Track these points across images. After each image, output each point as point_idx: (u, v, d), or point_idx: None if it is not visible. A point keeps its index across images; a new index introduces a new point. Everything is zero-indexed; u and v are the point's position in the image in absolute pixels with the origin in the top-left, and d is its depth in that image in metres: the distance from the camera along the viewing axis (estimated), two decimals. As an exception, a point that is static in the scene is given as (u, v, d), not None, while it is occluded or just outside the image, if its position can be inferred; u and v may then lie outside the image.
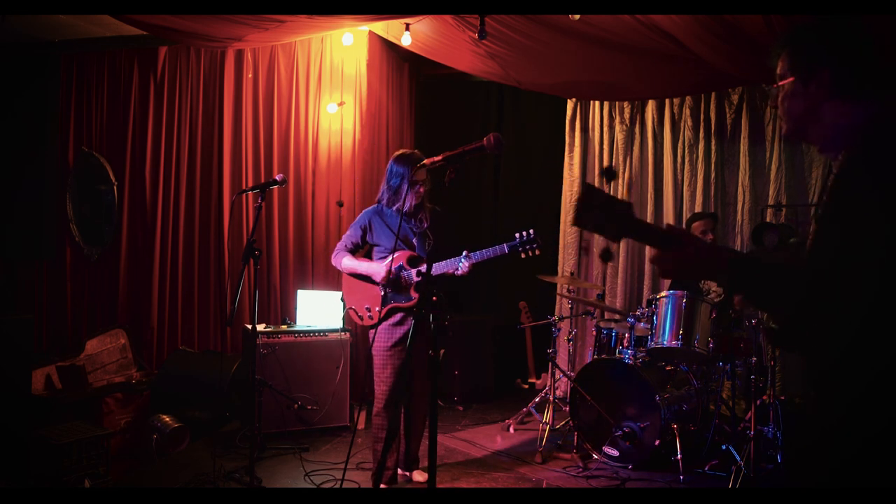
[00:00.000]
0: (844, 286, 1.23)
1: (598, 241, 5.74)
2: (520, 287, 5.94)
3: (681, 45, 4.03)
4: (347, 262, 3.57)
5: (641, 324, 4.36)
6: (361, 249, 3.67)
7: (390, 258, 3.47)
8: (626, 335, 4.40)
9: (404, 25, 4.61)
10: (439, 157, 2.14)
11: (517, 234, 3.24)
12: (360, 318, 3.59)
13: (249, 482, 3.42)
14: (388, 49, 5.62)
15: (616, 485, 3.78)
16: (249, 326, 4.31)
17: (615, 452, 4.05)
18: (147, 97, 5.74)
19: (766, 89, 1.51)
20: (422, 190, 3.48)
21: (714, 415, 4.21)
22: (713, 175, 5.50)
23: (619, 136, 5.79)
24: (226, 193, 5.53)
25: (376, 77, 5.47)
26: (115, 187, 5.83)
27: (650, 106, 5.72)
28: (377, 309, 3.49)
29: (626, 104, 5.78)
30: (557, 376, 4.71)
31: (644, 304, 4.86)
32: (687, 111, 5.59)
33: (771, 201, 5.34)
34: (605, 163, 5.84)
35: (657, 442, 3.88)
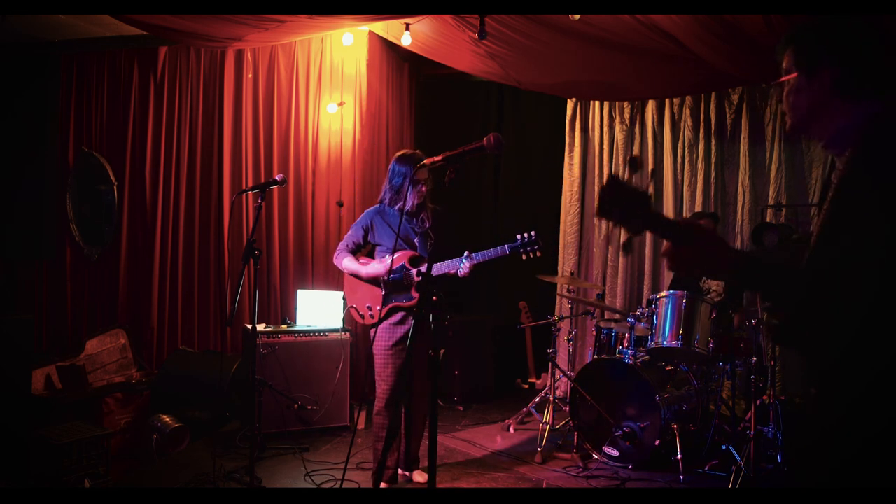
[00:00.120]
0: (845, 286, 1.23)
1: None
2: (520, 287, 5.94)
3: (681, 45, 4.03)
4: (348, 265, 3.59)
5: (641, 324, 4.36)
6: (363, 249, 3.67)
7: (390, 258, 3.48)
8: (626, 335, 4.40)
9: (404, 25, 4.61)
10: (439, 157, 2.15)
11: (518, 236, 3.24)
12: (362, 316, 3.60)
13: (249, 482, 3.42)
14: (388, 49, 5.62)
15: (616, 485, 3.78)
16: (249, 326, 4.31)
17: (615, 452, 4.05)
18: (147, 97, 5.74)
19: (771, 84, 1.51)
20: (423, 189, 3.49)
21: (714, 415, 4.22)
22: (713, 175, 5.51)
23: (619, 136, 5.79)
24: (226, 193, 5.53)
25: (376, 77, 5.47)
26: (115, 187, 5.83)
27: (650, 106, 5.72)
28: (378, 308, 3.49)
29: (626, 104, 5.79)
30: (557, 376, 4.71)
31: (644, 304, 4.86)
32: (687, 111, 5.60)
33: (771, 201, 5.34)
34: (606, 163, 5.85)
35: (657, 442, 3.88)
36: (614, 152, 5.82)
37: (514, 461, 4.16)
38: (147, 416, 4.42)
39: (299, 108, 5.41)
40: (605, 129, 5.85)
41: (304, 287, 5.18)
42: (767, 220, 5.24)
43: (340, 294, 4.78)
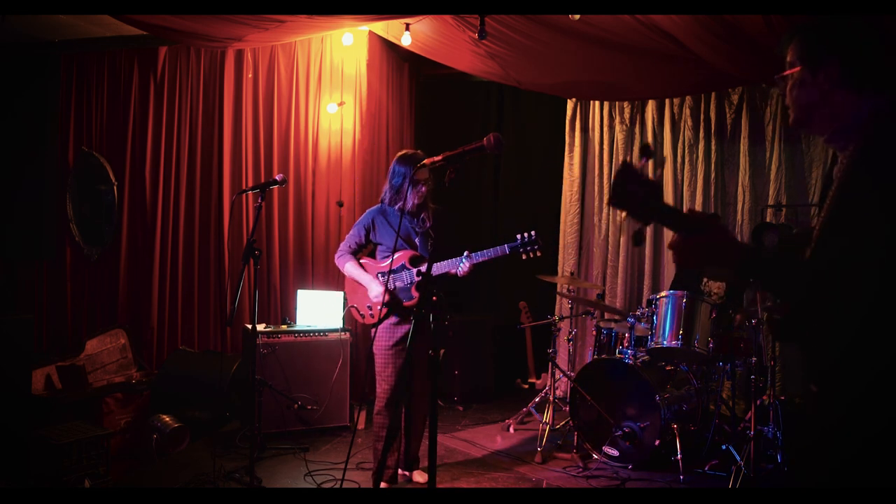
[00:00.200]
0: (845, 285, 1.23)
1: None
2: (520, 287, 5.93)
3: (681, 45, 4.03)
4: (349, 269, 3.61)
5: (641, 324, 4.35)
6: (365, 249, 3.68)
7: (391, 259, 3.48)
8: (626, 335, 4.40)
9: (404, 25, 4.61)
10: (439, 157, 2.15)
11: (518, 236, 3.25)
12: (362, 316, 3.62)
13: (249, 482, 3.42)
14: (388, 49, 5.62)
15: (616, 485, 3.78)
16: (249, 326, 4.31)
17: (615, 452, 4.05)
18: (147, 97, 5.74)
19: (774, 79, 1.50)
20: (424, 189, 3.49)
21: (714, 415, 4.22)
22: (713, 175, 5.51)
23: (619, 136, 5.79)
24: (226, 193, 5.53)
25: (376, 77, 5.47)
26: (115, 187, 5.83)
27: (650, 106, 5.72)
28: (378, 308, 3.50)
29: (626, 104, 5.79)
30: (557, 376, 4.71)
31: (644, 304, 4.86)
32: (687, 111, 5.60)
33: (771, 201, 5.34)
34: (606, 163, 5.85)
35: (657, 442, 3.88)
36: (614, 152, 5.82)
37: (514, 461, 4.16)
38: (147, 416, 4.42)
39: (299, 108, 5.41)
40: (605, 129, 5.85)
41: (304, 287, 5.18)
42: (767, 220, 5.24)
43: (340, 294, 4.78)
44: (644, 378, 4.01)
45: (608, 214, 5.82)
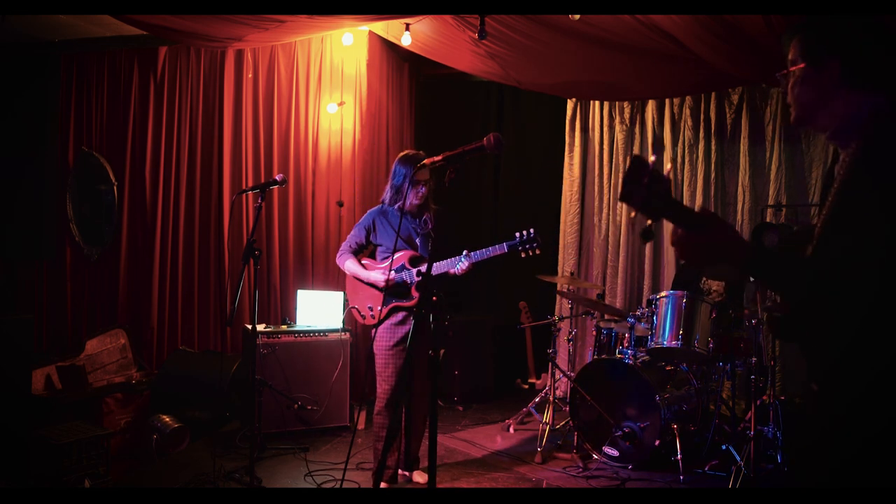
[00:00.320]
0: (845, 284, 1.23)
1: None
2: (520, 287, 5.93)
3: (681, 45, 4.03)
4: (350, 267, 3.61)
5: (641, 324, 4.35)
6: (366, 249, 3.69)
7: (391, 259, 3.49)
8: (626, 335, 4.40)
9: (404, 25, 4.61)
10: (439, 157, 2.15)
11: (517, 234, 3.24)
12: (363, 316, 3.62)
13: (249, 482, 3.42)
14: (388, 49, 5.62)
15: (616, 485, 3.78)
16: (249, 326, 4.31)
17: (615, 452, 4.05)
18: (147, 97, 5.74)
19: (776, 76, 1.50)
20: (424, 190, 3.49)
21: (714, 415, 4.22)
22: (713, 175, 5.50)
23: (619, 136, 5.79)
24: (226, 193, 5.53)
25: (376, 77, 5.47)
26: (115, 187, 5.83)
27: (650, 106, 5.72)
28: (379, 308, 3.50)
29: (626, 104, 5.79)
30: (557, 376, 4.71)
31: (644, 304, 4.86)
32: (687, 111, 5.59)
33: (771, 201, 5.34)
34: (606, 163, 5.85)
35: (657, 442, 3.88)
36: (614, 152, 5.82)
37: (514, 461, 4.16)
38: (147, 416, 4.42)
39: (299, 108, 5.41)
40: (605, 129, 5.85)
41: (304, 287, 5.18)
42: (767, 220, 5.24)
43: (340, 294, 4.78)
44: (644, 378, 4.01)
45: (608, 214, 5.82)
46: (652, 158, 1.29)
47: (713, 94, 5.51)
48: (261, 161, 5.48)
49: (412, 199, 3.48)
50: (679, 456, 3.84)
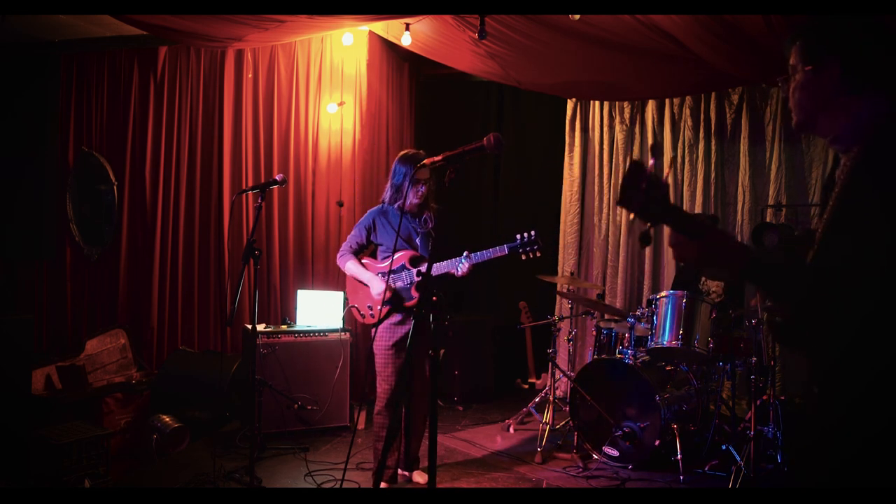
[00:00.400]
0: (846, 288, 1.23)
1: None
2: (520, 287, 5.93)
3: (681, 45, 4.03)
4: (351, 267, 3.61)
5: (641, 324, 4.35)
6: (367, 249, 3.69)
7: (391, 259, 3.49)
8: (626, 335, 4.40)
9: (404, 25, 4.61)
10: (439, 157, 2.15)
11: (518, 236, 3.24)
12: (363, 316, 3.62)
13: (249, 482, 3.42)
14: (388, 49, 5.62)
15: (616, 485, 3.78)
16: (249, 326, 4.31)
17: (615, 452, 4.05)
18: (147, 97, 5.74)
19: (777, 81, 1.50)
20: (424, 189, 3.49)
21: (714, 415, 4.22)
22: (713, 175, 5.51)
23: (619, 136, 5.79)
24: (226, 193, 5.53)
25: (376, 77, 5.47)
26: (115, 187, 5.83)
27: (650, 106, 5.72)
28: (379, 308, 3.50)
29: (626, 104, 5.79)
30: (557, 376, 4.71)
31: (644, 304, 4.86)
32: (687, 111, 5.60)
33: (771, 201, 5.34)
34: (606, 163, 5.85)
35: (657, 442, 3.88)
36: (614, 152, 5.82)
37: (514, 461, 4.16)
38: (147, 416, 4.42)
39: (299, 108, 5.41)
40: (605, 129, 5.85)
41: (304, 287, 5.18)
42: (767, 220, 5.24)
43: (340, 294, 4.78)
44: (644, 378, 4.01)
45: (608, 214, 5.82)
46: (650, 163, 1.29)
47: (713, 94, 5.51)
48: (261, 161, 5.48)
49: (412, 199, 3.48)
50: (679, 456, 3.84)
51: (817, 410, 1.39)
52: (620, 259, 5.71)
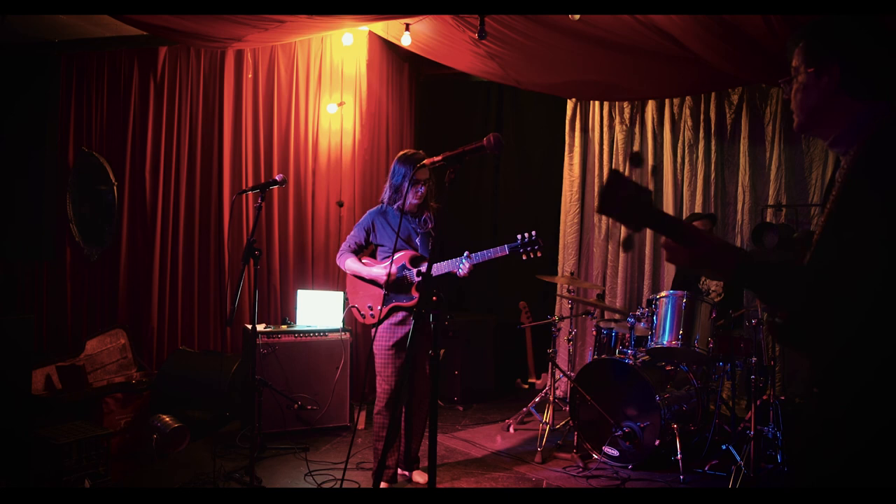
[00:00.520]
0: (846, 287, 1.23)
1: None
2: (520, 287, 5.94)
3: (681, 45, 4.03)
4: (351, 265, 3.61)
5: (641, 324, 4.36)
6: (366, 249, 3.68)
7: (391, 259, 3.48)
8: (626, 335, 4.40)
9: (404, 25, 4.61)
10: (439, 158, 2.15)
11: (518, 236, 3.23)
12: (363, 316, 3.62)
13: (249, 482, 3.42)
14: (388, 49, 5.62)
15: (616, 485, 3.78)
16: (249, 326, 4.31)
17: (615, 452, 4.05)
18: (147, 97, 5.74)
19: (778, 83, 1.51)
20: (423, 190, 3.49)
21: (714, 415, 4.22)
22: (713, 175, 5.51)
23: (619, 136, 5.80)
24: (226, 193, 5.53)
25: (376, 77, 5.47)
26: (115, 187, 5.83)
27: (650, 106, 5.72)
28: (379, 308, 3.50)
29: (626, 104, 5.79)
30: (557, 376, 4.71)
31: (644, 304, 4.86)
32: (687, 111, 5.60)
33: (771, 201, 5.34)
34: (606, 163, 5.85)
35: (657, 442, 3.88)
36: (614, 152, 5.82)
37: (514, 461, 4.16)
38: (147, 416, 4.41)
39: (299, 108, 5.41)
40: (605, 129, 5.86)
41: (304, 287, 5.18)
42: (767, 220, 5.24)
43: (340, 294, 4.78)
44: (644, 378, 4.01)
45: (608, 214, 5.81)
46: (627, 174, 1.32)
47: (713, 94, 5.52)
48: (261, 161, 5.48)
49: (411, 199, 3.48)
50: (679, 456, 3.84)
51: (817, 410, 1.39)
52: (620, 259, 5.71)
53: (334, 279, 5.19)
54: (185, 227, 5.65)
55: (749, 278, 1.33)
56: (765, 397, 4.07)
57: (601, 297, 5.36)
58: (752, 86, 5.37)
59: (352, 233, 3.67)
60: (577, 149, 5.93)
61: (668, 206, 5.59)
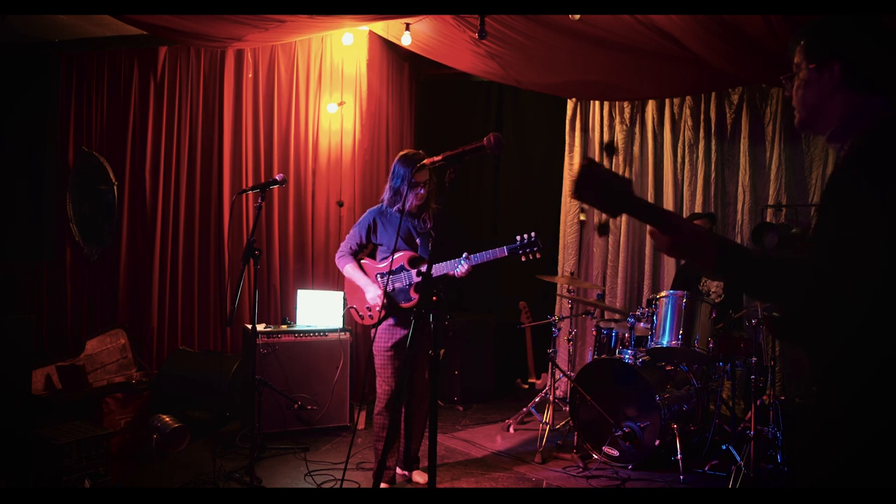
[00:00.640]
0: (845, 282, 1.23)
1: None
2: (520, 287, 5.94)
3: (681, 45, 4.03)
4: (349, 270, 3.61)
5: (641, 324, 4.36)
6: (365, 249, 3.68)
7: (391, 259, 3.48)
8: (626, 335, 4.40)
9: (404, 25, 4.61)
10: (439, 158, 2.15)
11: (518, 237, 3.22)
12: (361, 317, 3.61)
13: (249, 482, 3.42)
14: (388, 49, 5.62)
15: (616, 485, 3.78)
16: (249, 326, 4.31)
17: (615, 452, 4.05)
18: (147, 97, 5.74)
19: (781, 79, 1.53)
20: (423, 191, 3.48)
21: (714, 415, 4.22)
22: (713, 175, 5.51)
23: (619, 136, 5.80)
24: (226, 193, 5.53)
25: (376, 77, 5.47)
26: (115, 187, 5.83)
27: (650, 106, 5.72)
28: (378, 309, 3.50)
29: (626, 104, 5.79)
30: (557, 376, 4.71)
31: (644, 304, 4.86)
32: (687, 111, 5.60)
33: (771, 201, 5.34)
34: (606, 163, 5.84)
35: (657, 442, 3.88)
36: (614, 152, 5.82)
37: (514, 461, 4.16)
38: (147, 416, 4.41)
39: (299, 108, 5.41)
40: (605, 129, 5.86)
41: (304, 287, 5.18)
42: (767, 220, 5.24)
43: (340, 294, 4.78)
44: (644, 378, 4.01)
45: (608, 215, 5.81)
46: (598, 161, 1.34)
47: (713, 94, 5.52)
48: (261, 161, 5.48)
49: (411, 200, 3.47)
50: (679, 456, 3.84)
51: (817, 409, 1.39)
52: (620, 259, 5.71)
53: (334, 279, 5.19)
54: (185, 226, 5.65)
55: (735, 272, 1.35)
56: (765, 397, 4.07)
57: (601, 297, 5.36)
58: (753, 86, 5.37)
59: (351, 232, 3.67)
60: (577, 149, 5.93)
61: (668, 206, 5.59)
